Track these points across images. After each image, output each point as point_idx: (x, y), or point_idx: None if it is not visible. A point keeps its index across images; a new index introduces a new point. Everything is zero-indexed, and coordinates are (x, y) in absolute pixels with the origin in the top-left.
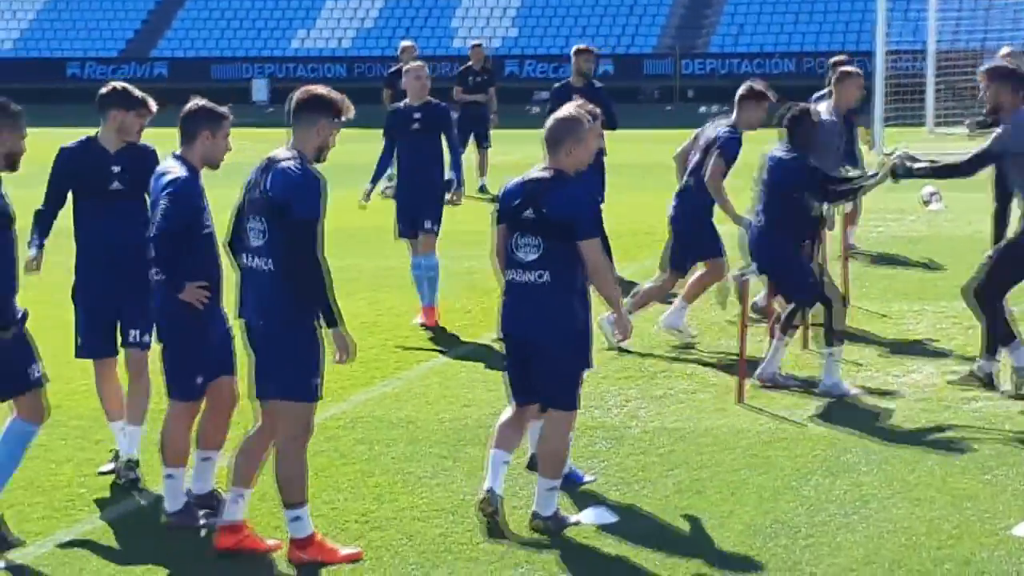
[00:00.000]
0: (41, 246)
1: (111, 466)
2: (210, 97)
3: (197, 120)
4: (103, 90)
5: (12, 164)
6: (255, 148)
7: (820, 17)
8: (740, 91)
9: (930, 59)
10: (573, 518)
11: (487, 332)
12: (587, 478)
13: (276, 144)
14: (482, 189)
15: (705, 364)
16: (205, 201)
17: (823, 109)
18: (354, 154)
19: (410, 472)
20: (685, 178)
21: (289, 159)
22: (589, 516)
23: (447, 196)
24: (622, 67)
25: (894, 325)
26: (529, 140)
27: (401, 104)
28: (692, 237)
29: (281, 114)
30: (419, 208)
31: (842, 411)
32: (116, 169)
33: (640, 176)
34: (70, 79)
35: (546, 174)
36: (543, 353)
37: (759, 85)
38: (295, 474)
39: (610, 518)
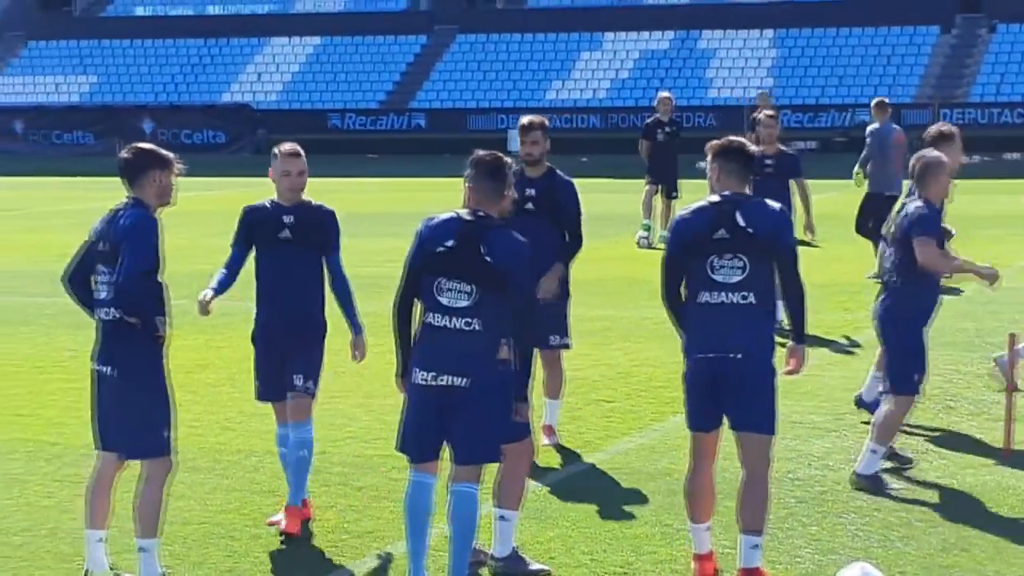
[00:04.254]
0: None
1: None
2: (467, 147)
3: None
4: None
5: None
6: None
7: None
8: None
9: None
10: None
11: None
12: None
13: None
14: (664, 239)
15: (969, 418)
16: None
17: None
18: (607, 204)
19: (668, 524)
20: None
21: (750, 198)
22: (854, 572)
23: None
24: None
25: None
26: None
27: (268, 202)
28: None
29: None
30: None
31: None
32: None
33: None
34: (331, 130)
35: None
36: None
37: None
38: (767, 502)
39: (875, 574)
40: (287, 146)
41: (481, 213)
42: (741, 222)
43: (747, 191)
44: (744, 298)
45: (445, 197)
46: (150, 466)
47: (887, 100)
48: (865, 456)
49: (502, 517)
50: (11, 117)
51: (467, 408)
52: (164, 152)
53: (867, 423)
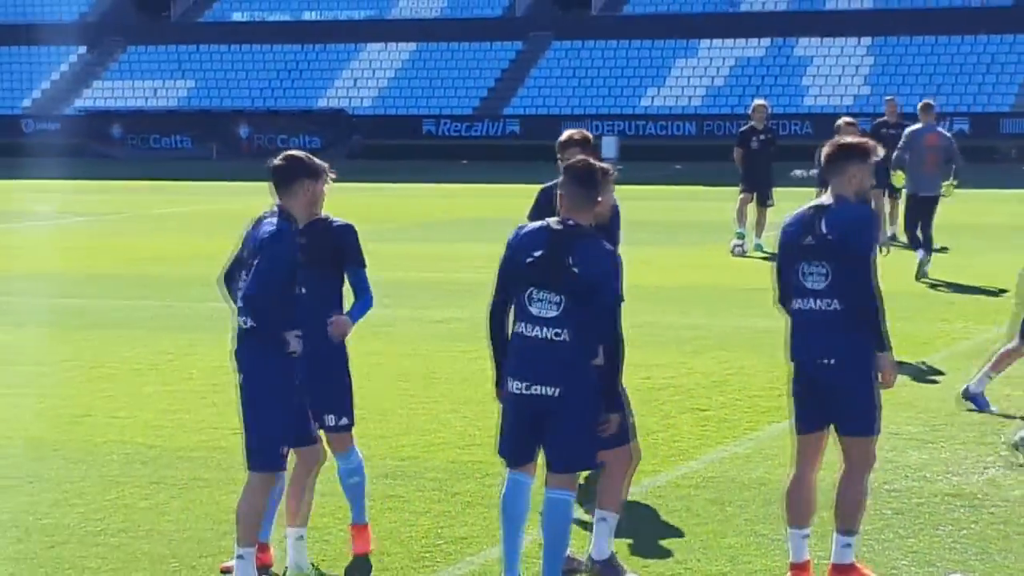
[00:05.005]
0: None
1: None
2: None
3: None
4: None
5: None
6: None
7: None
8: None
9: None
10: None
11: None
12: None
13: (625, 200)
14: (758, 248)
15: None
16: None
17: None
18: (701, 211)
19: (763, 534)
20: None
21: (832, 203)
22: None
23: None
24: (978, 125)
25: None
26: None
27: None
28: None
29: (630, 171)
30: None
31: None
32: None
33: (994, 237)
34: (425, 136)
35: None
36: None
37: None
38: (862, 502)
39: None
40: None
41: (571, 222)
42: (823, 228)
43: (852, 195)
44: (829, 305)
45: None
46: (256, 478)
47: (932, 103)
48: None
49: (603, 519)
50: (109, 121)
51: (559, 417)
52: (316, 161)
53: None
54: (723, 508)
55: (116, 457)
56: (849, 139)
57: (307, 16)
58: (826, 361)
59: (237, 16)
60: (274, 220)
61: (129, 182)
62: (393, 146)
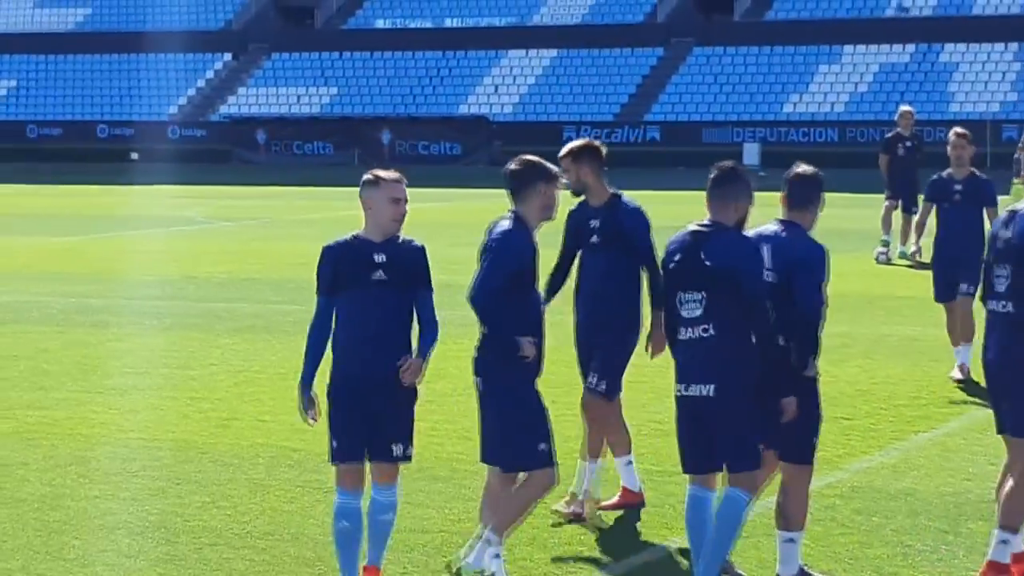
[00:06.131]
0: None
1: None
2: (701, 161)
3: (814, 187)
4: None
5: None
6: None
7: None
8: None
9: None
10: None
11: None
12: None
13: (770, 208)
14: (903, 255)
15: None
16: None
17: None
18: (845, 219)
19: (910, 545)
20: None
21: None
22: None
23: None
24: None
25: None
26: None
27: (351, 237)
28: None
29: (772, 179)
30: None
31: None
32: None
33: None
34: (566, 143)
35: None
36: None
37: None
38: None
39: None
40: (389, 172)
41: (708, 222)
42: (1009, 232)
43: None
44: (1004, 307)
45: (679, 210)
46: (530, 477)
47: None
48: None
49: (790, 539)
50: (254, 127)
51: (716, 416)
52: (550, 165)
53: None
54: (869, 518)
55: (262, 460)
56: None
57: (449, 23)
58: (996, 364)
59: (380, 23)
60: (503, 223)
61: (272, 188)
62: (534, 152)
